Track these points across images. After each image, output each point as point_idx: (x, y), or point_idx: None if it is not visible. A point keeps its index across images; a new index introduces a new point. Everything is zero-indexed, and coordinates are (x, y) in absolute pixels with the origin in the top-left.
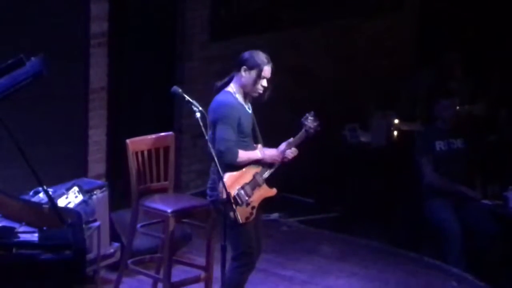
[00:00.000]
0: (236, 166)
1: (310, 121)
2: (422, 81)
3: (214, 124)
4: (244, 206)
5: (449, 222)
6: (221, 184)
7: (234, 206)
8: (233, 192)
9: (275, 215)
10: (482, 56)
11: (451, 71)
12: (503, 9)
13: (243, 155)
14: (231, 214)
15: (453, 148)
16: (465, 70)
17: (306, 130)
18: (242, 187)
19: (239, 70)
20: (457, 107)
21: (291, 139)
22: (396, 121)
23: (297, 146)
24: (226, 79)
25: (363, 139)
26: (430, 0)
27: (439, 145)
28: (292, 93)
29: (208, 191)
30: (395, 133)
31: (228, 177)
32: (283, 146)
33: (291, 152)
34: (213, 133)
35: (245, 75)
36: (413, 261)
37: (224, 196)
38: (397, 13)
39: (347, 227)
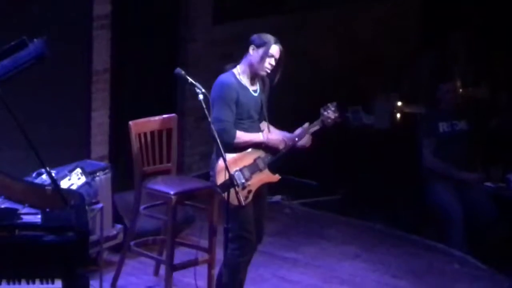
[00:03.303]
0: (236, 148)
1: (330, 112)
2: (426, 63)
3: (212, 103)
4: (239, 188)
5: (450, 205)
6: (217, 166)
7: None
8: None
9: (277, 197)
10: (486, 38)
11: (455, 53)
12: None
13: (242, 136)
14: (224, 195)
15: (456, 129)
16: (469, 52)
17: (322, 120)
18: (240, 170)
19: (247, 50)
20: (460, 90)
21: (306, 125)
22: (399, 103)
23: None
24: (235, 63)
25: (366, 121)
26: None
27: (443, 126)
28: (296, 76)
29: (210, 172)
30: (398, 115)
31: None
32: (297, 131)
33: (305, 143)
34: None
35: (253, 54)
36: (415, 243)
37: (220, 178)
38: None
39: (350, 210)
